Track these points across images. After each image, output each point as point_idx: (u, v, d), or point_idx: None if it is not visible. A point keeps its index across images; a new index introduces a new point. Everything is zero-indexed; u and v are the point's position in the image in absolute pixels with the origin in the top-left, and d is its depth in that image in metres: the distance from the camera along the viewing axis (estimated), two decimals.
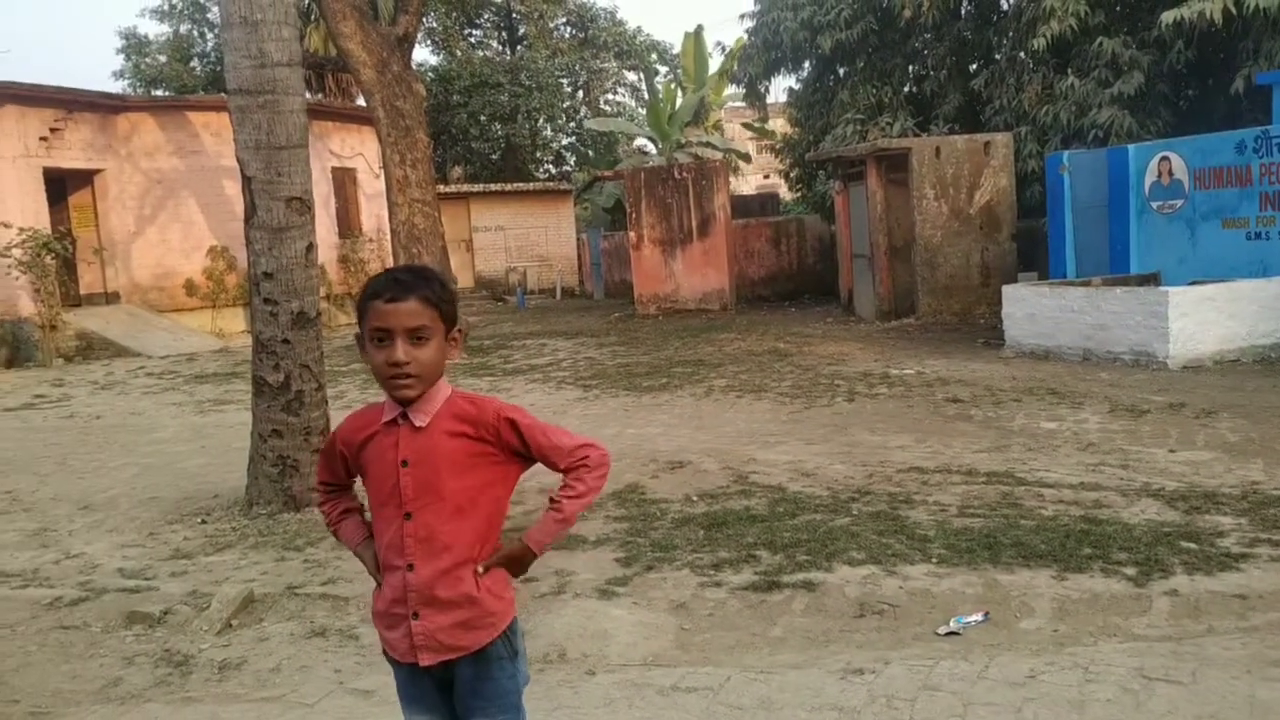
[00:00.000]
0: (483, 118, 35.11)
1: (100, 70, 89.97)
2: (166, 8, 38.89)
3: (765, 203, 28.15)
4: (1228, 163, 12.09)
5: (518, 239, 31.63)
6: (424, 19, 27.93)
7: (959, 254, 16.55)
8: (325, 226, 20.78)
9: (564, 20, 40.65)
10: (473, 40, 40.84)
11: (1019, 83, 17.13)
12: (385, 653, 2.44)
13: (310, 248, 6.87)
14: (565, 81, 38.78)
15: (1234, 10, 13.53)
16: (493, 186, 32.40)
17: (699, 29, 32.17)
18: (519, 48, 39.57)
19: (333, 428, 7.17)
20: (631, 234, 20.86)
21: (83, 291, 20.35)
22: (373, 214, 23.88)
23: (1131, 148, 13.35)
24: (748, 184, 45.32)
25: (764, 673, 4.08)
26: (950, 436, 8.06)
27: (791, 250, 23.62)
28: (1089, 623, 4.43)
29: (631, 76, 41.27)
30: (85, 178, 20.02)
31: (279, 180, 6.67)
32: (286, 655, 4.57)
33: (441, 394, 2.36)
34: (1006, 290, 12.79)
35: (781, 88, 26.41)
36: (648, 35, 40.98)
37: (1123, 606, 4.54)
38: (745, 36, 23.55)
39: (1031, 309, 12.18)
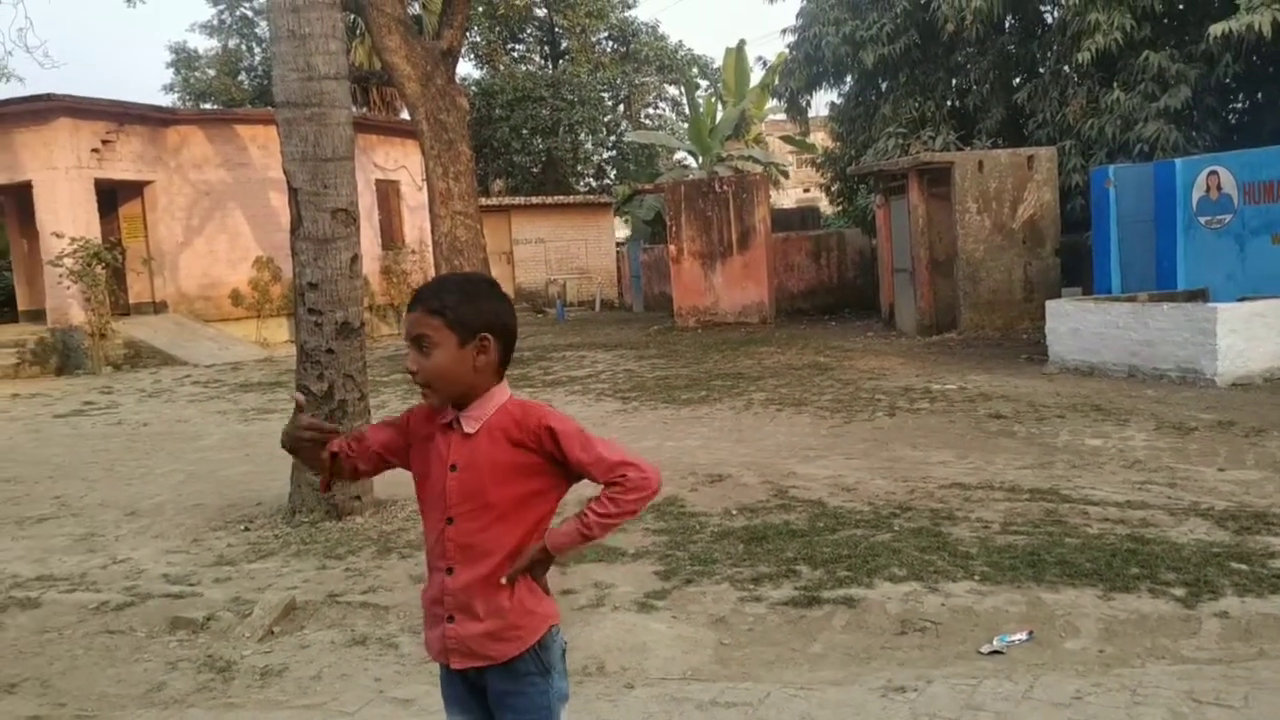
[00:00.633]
0: (524, 131, 35.35)
1: (151, 84, 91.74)
2: (216, 23, 39.60)
3: (805, 216, 28.08)
4: (1278, 177, 11.89)
5: (558, 251, 31.77)
6: (468, 34, 28.21)
7: (1001, 268, 16.40)
8: (369, 238, 21.03)
9: (606, 35, 40.86)
10: (515, 54, 41.16)
11: (1063, 96, 16.97)
12: None
13: (355, 259, 6.94)
14: (606, 95, 38.97)
15: None
16: (534, 199, 32.58)
17: (740, 44, 32.22)
18: (561, 62, 39.82)
19: None
20: (671, 247, 20.87)
21: (131, 301, 20.71)
22: (415, 226, 24.10)
23: (1179, 161, 13.17)
24: (788, 197, 45.22)
25: (804, 689, 4.05)
26: (993, 452, 7.97)
27: (832, 264, 23.53)
28: (1136, 644, 4.35)
29: (672, 90, 41.40)
30: (135, 189, 20.39)
31: (325, 192, 6.74)
32: (327, 663, 4.60)
33: (494, 401, 2.35)
34: (1050, 305, 12.65)
35: (823, 102, 26.27)
36: (689, 50, 41.10)
37: (1171, 628, 4.46)
38: (786, 51, 23.52)
39: (1076, 324, 12.03)
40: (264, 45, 36.73)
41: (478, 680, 2.37)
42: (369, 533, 6.53)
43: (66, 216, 18.31)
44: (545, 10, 39.35)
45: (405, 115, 21.66)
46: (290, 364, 11.03)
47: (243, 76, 39.13)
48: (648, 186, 28.21)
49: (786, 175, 35.40)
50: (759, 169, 28.25)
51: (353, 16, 26.69)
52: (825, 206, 32.26)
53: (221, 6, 39.44)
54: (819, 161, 26.41)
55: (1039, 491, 6.65)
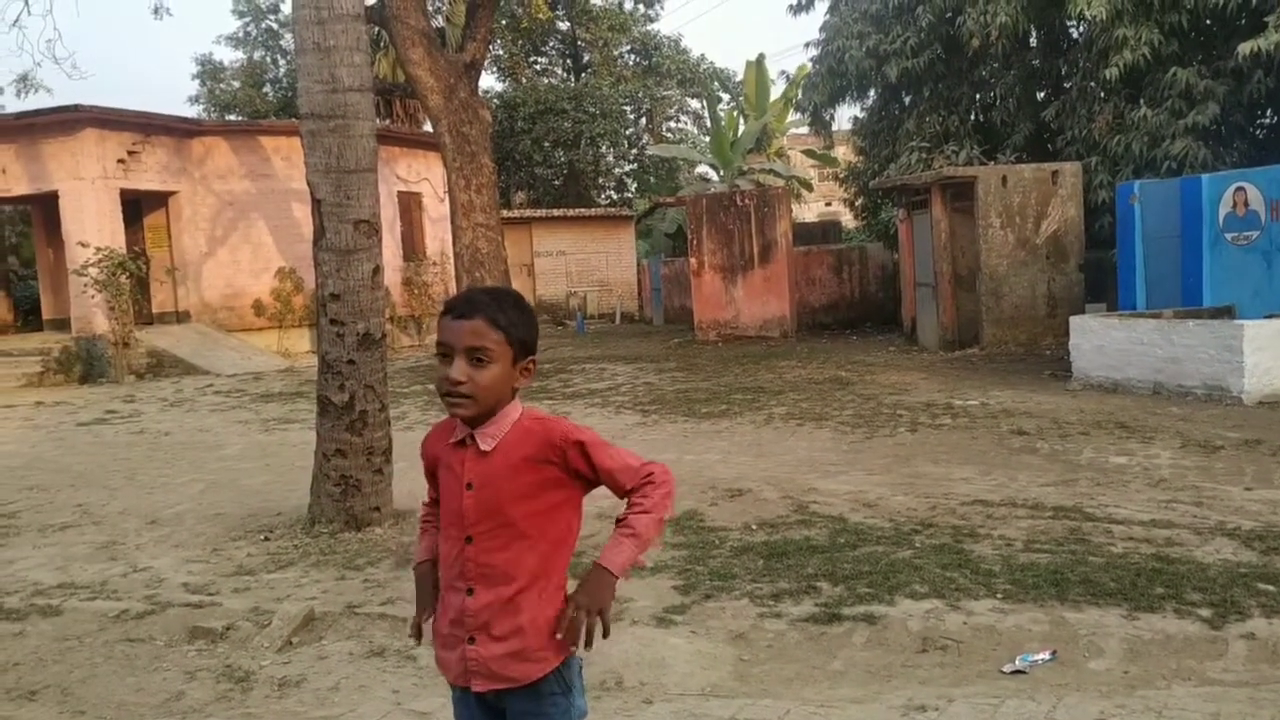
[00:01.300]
0: (546, 144, 35.48)
1: (176, 95, 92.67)
2: (241, 35, 40.02)
3: (827, 230, 28.04)
4: None
5: (579, 264, 31.82)
6: (490, 47, 28.36)
7: (1025, 284, 16.30)
8: (390, 250, 21.13)
9: (628, 48, 41.03)
10: (538, 67, 41.39)
11: (1090, 112, 16.88)
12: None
13: (377, 270, 6.96)
14: (628, 108, 39.08)
15: None
16: (555, 212, 32.67)
17: (761, 57, 32.31)
18: (583, 75, 39.99)
19: (395, 447, 7.24)
20: (692, 260, 20.87)
21: (155, 310, 20.88)
22: (437, 237, 24.20)
23: (1205, 178, 13.07)
24: (810, 211, 45.17)
25: (823, 706, 4.01)
26: (1015, 469, 7.90)
27: (853, 278, 23.46)
28: (1161, 665, 4.29)
29: (694, 104, 41.51)
30: (160, 199, 20.58)
31: (348, 203, 6.77)
32: (345, 674, 4.59)
33: (510, 417, 2.32)
34: (1074, 321, 12.55)
35: (846, 116, 26.25)
36: (711, 63, 41.23)
37: (1197, 649, 4.39)
38: (809, 64, 23.55)
39: (1100, 341, 11.94)
40: (289, 58, 37.06)
41: (496, 703, 2.34)
42: (388, 544, 6.52)
43: (92, 226, 18.49)
44: (568, 24, 39.56)
45: (428, 127, 21.77)
46: (311, 374, 11.07)
47: (267, 89, 39.51)
48: (669, 199, 28.26)
49: (810, 188, 35.37)
50: (781, 182, 28.24)
51: (377, 29, 26.90)
52: (847, 220, 32.23)
53: (247, 19, 39.89)
54: (841, 175, 26.40)
55: (1062, 509, 6.58)
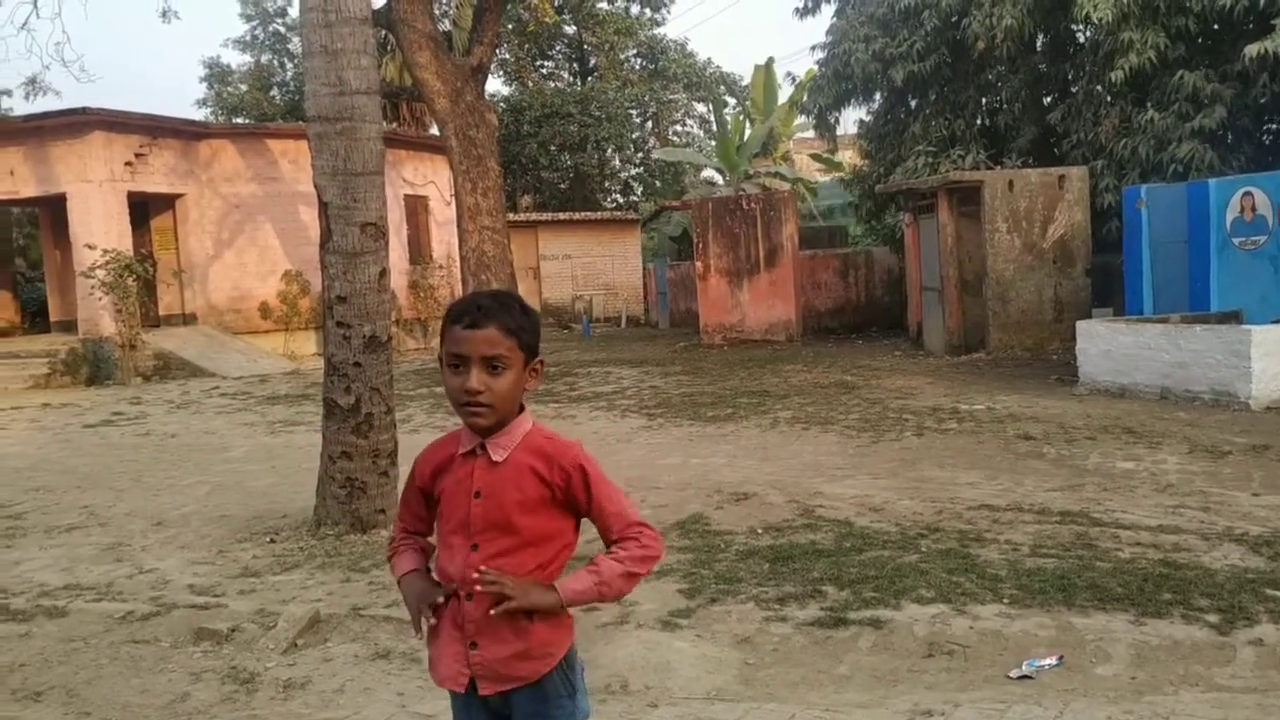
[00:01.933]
0: (552, 147, 35.51)
1: (184, 98, 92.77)
2: (249, 38, 40.10)
3: (834, 234, 28.00)
4: None
5: (584, 267, 31.85)
6: (497, 50, 28.41)
7: (1031, 288, 16.28)
8: (397, 253, 21.12)
9: (634, 52, 41.04)
10: (544, 71, 41.42)
11: (1096, 116, 16.84)
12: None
13: (383, 273, 6.97)
14: (634, 112, 39.11)
15: None
16: (561, 215, 32.70)
17: (769, 61, 32.22)
18: (590, 79, 40.00)
19: (400, 450, 7.24)
20: (698, 264, 20.87)
21: (161, 312, 20.93)
22: (443, 240, 24.22)
23: (1212, 182, 13.04)
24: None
25: (829, 711, 4.00)
26: (1022, 474, 7.88)
27: (859, 282, 23.43)
28: (1169, 671, 4.28)
29: (700, 108, 41.49)
30: (167, 202, 20.62)
31: (355, 206, 6.78)
32: (350, 676, 4.59)
33: (521, 428, 2.32)
34: (1081, 326, 12.53)
35: (851, 119, 26.24)
36: (717, 67, 41.20)
37: (1205, 655, 4.38)
38: (816, 68, 23.52)
39: (1107, 345, 11.91)
40: (296, 61, 37.15)
41: (501, 707, 2.34)
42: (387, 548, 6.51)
43: (99, 228, 18.53)
44: (574, 27, 39.57)
45: (434, 131, 21.81)
46: (317, 377, 11.06)
47: (274, 92, 39.58)
48: (675, 203, 28.27)
49: (815, 193, 35.33)
50: (787, 186, 28.21)
51: (384, 33, 26.97)
52: (852, 225, 32.18)
53: (255, 23, 39.97)
54: (847, 179, 26.36)
55: (1069, 514, 6.57)
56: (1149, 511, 6.60)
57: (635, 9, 40.61)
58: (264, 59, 40.42)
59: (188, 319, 20.91)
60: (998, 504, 6.92)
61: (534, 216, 32.34)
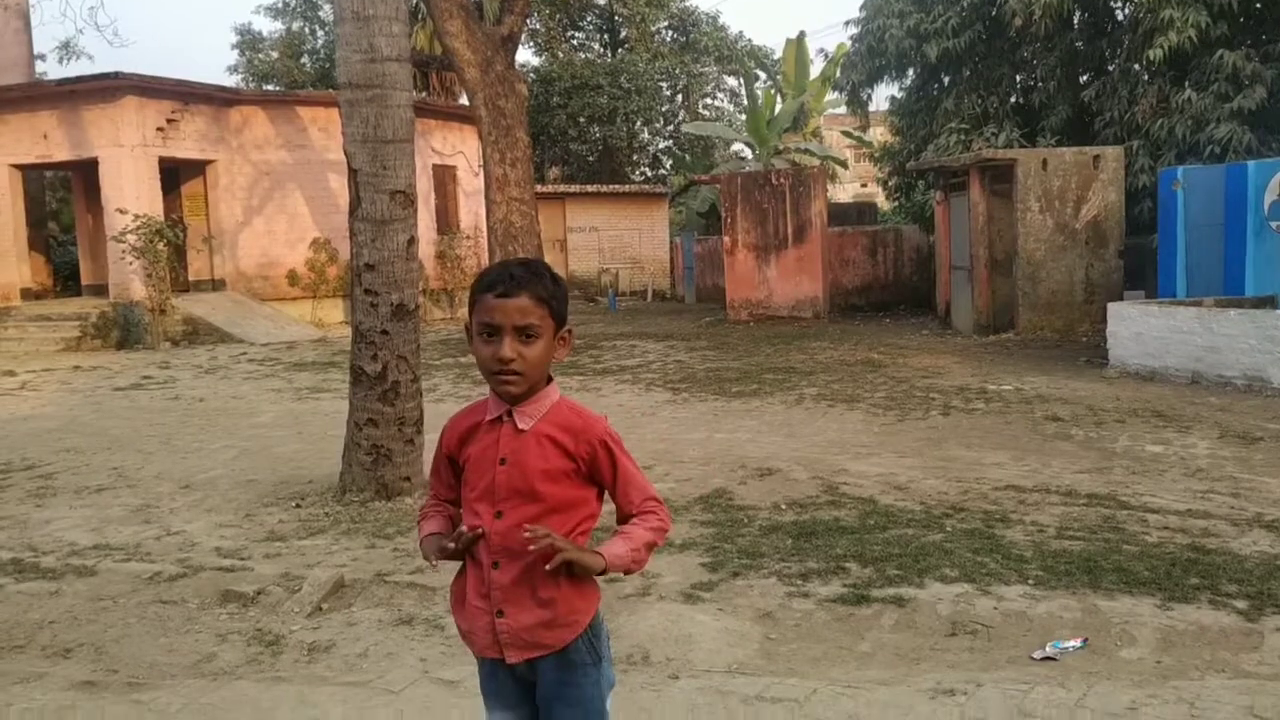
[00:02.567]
0: (581, 119, 35.37)
1: (215, 65, 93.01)
2: (281, 5, 40.08)
3: (862, 211, 27.80)
4: None
5: (611, 240, 31.77)
6: (528, 20, 28.27)
7: (1062, 269, 16.11)
8: (425, 223, 21.17)
9: (666, 24, 40.77)
10: (574, 42, 41.22)
11: (1132, 95, 16.61)
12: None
13: (412, 241, 6.97)
14: (664, 85, 38.88)
15: None
16: (589, 188, 32.59)
17: (801, 35, 31.98)
18: (620, 50, 39.78)
19: (426, 419, 7.28)
20: (726, 239, 20.78)
21: (191, 278, 21.06)
22: (471, 211, 24.22)
23: (1251, 164, 12.84)
24: (845, 192, 44.86)
25: (851, 687, 4.00)
26: (1049, 456, 7.82)
27: (888, 260, 23.27)
28: (1195, 656, 4.24)
29: (731, 82, 41.23)
30: (198, 168, 20.71)
31: (384, 174, 6.77)
32: (374, 641, 4.62)
33: (549, 398, 2.33)
34: (1112, 308, 12.39)
35: (884, 96, 26.05)
36: (749, 40, 40.91)
37: (1232, 641, 4.33)
38: (849, 43, 23.30)
39: (1138, 328, 11.78)
40: (327, 28, 37.14)
41: (527, 674, 2.35)
42: (417, 514, 6.54)
43: (131, 193, 18.65)
44: None
45: (464, 101, 21.76)
46: (344, 344, 11.12)
47: (305, 59, 39.60)
48: (704, 177, 28.09)
49: (845, 167, 35.08)
50: (816, 162, 28.01)
51: (414, 1, 26.91)
52: (882, 202, 31.96)
53: None
54: (877, 156, 26.16)
55: (1096, 497, 6.51)
56: (1178, 496, 6.54)
57: None
58: (295, 26, 40.42)
59: (217, 285, 21.04)
60: (1024, 485, 6.87)
61: (561, 188, 32.26)
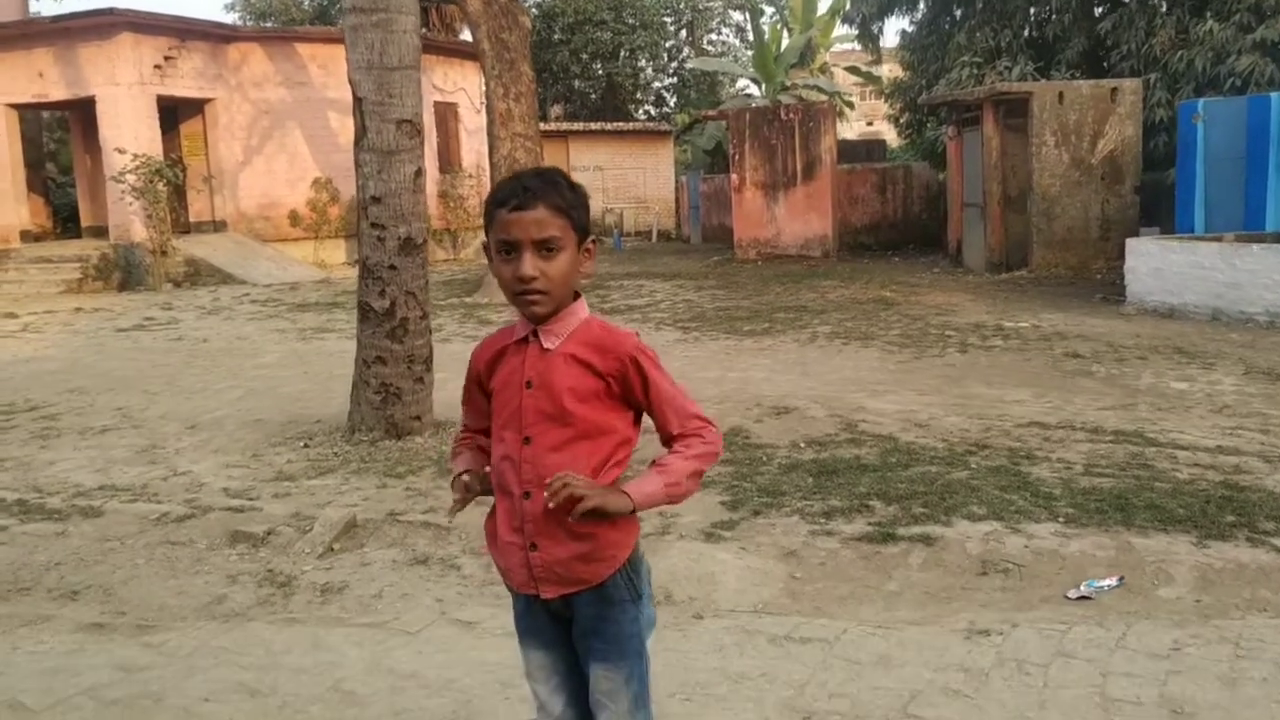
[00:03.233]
0: (584, 56, 34.75)
1: (212, 1, 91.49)
2: None
3: (871, 148, 27.38)
4: None
5: (615, 180, 31.34)
6: None
7: (1078, 205, 15.82)
8: (427, 161, 20.82)
9: None
10: None
11: (1150, 27, 16.21)
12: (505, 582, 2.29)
13: (419, 172, 6.76)
14: (669, 20, 38.14)
15: None
16: (592, 125, 32.07)
17: None
18: None
19: (435, 358, 7.11)
20: (733, 176, 20.45)
21: (191, 219, 20.81)
22: (473, 149, 23.86)
23: (1275, 95, 12.53)
24: (851, 130, 44.23)
25: (882, 627, 3.88)
26: (1071, 393, 7.66)
27: (897, 198, 22.93)
28: (1235, 595, 4.11)
29: (737, 16, 40.42)
30: (196, 106, 20.35)
31: (390, 101, 6.54)
32: (388, 582, 4.51)
33: (577, 316, 2.17)
34: (1130, 243, 12.17)
35: (894, 29, 25.56)
36: None
37: (1272, 580, 4.21)
38: None
39: (1157, 264, 11.57)
40: None
41: (563, 610, 2.22)
42: (429, 453, 6.42)
43: (129, 133, 18.33)
44: None
45: (465, 36, 21.33)
46: (346, 285, 10.93)
47: None
48: (711, 113, 27.58)
49: (852, 106, 34.54)
50: (824, 98, 27.54)
51: None
52: (891, 139, 31.50)
53: None
54: (887, 92, 25.69)
55: (1123, 433, 6.36)
56: (1206, 432, 6.39)
57: None
58: None
59: (218, 226, 20.78)
60: (1048, 421, 6.72)
61: (565, 126, 31.75)
